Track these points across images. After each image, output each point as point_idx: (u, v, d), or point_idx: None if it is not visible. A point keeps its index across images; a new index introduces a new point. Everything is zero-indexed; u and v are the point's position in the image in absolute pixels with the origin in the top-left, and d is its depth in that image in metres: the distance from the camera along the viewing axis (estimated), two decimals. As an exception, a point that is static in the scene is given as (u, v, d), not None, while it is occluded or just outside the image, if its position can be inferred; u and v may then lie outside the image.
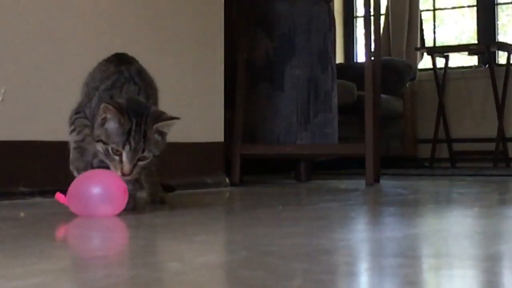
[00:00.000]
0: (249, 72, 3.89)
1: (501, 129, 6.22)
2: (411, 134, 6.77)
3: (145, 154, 1.98)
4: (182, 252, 1.45)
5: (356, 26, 7.43)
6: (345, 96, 5.13)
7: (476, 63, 6.85)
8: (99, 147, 2.00)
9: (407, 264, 1.22)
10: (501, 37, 6.84)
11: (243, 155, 3.70)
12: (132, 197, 2.15)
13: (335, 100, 4.07)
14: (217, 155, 3.45)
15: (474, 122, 6.63)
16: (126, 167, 1.97)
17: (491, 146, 6.25)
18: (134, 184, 2.12)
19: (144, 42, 3.10)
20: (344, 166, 5.52)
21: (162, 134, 2.04)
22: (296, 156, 3.98)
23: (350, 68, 6.14)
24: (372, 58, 3.69)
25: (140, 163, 1.99)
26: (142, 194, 2.34)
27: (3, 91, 2.60)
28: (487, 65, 6.47)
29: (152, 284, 1.05)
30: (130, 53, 2.34)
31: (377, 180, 3.65)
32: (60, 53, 2.80)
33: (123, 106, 1.99)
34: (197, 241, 1.63)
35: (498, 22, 6.85)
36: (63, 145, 2.74)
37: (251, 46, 3.94)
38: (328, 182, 3.98)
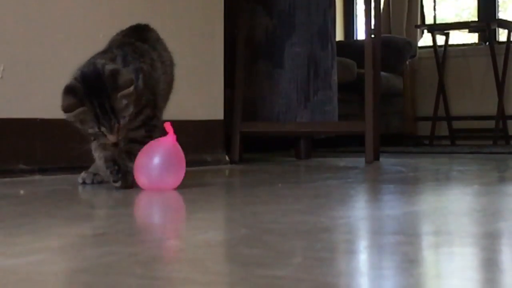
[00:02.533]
0: (248, 49, 3.88)
1: (501, 107, 6.21)
2: (411, 112, 6.77)
3: (121, 122, 2.03)
4: (181, 229, 1.45)
5: (356, 3, 7.40)
6: (345, 74, 5.12)
7: (477, 41, 6.84)
8: (81, 130, 2.06)
9: (407, 242, 1.22)
10: (501, 14, 6.82)
11: (243, 132, 3.70)
12: (130, 174, 2.15)
13: (335, 78, 4.06)
14: (217, 132, 3.45)
15: (474, 100, 6.62)
16: (113, 139, 2.04)
17: (491, 124, 6.25)
18: (130, 161, 2.12)
19: (143, 20, 3.08)
20: (344, 144, 5.53)
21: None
22: (296, 134, 3.98)
23: (350, 45, 6.12)
24: (372, 36, 3.68)
25: (122, 125, 2.04)
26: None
27: (2, 68, 2.59)
28: (487, 43, 6.45)
29: (151, 262, 1.05)
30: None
31: (376, 158, 3.65)
32: (60, 30, 2.79)
33: (78, 92, 2.01)
34: (196, 219, 1.63)
35: (499, -1, 6.83)
36: (63, 122, 2.74)
37: (250, 23, 3.92)
38: (328, 159, 3.98)
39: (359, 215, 1.68)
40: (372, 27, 3.71)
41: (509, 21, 6.33)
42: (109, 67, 2.06)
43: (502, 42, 6.51)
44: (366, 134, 3.57)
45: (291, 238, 1.26)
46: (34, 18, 2.70)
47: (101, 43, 2.37)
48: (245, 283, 0.91)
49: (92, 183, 2.28)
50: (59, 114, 2.75)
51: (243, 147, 3.74)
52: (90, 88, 2.02)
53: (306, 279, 0.92)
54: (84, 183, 2.28)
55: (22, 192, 2.11)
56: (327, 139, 4.89)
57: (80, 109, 2.00)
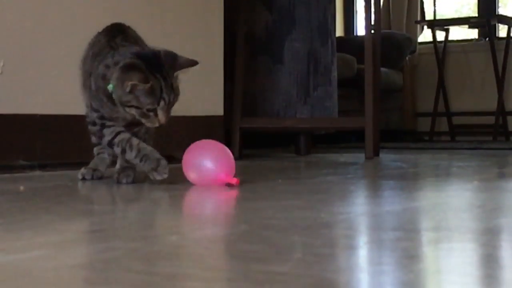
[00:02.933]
0: (248, 45, 3.87)
1: (501, 103, 6.21)
2: (411, 108, 6.76)
3: (175, 100, 2.07)
4: (181, 225, 1.45)
5: (356, -1, 7.40)
6: (345, 70, 5.12)
7: (476, 36, 6.83)
8: (132, 111, 2.04)
9: (407, 238, 1.22)
10: (501, 10, 6.81)
11: (243, 128, 3.70)
12: (132, 170, 2.15)
13: (334, 74, 4.06)
14: (217, 128, 3.45)
15: (474, 96, 6.62)
16: (163, 119, 2.04)
17: (490, 120, 6.24)
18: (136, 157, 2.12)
19: (143, 13, 3.08)
20: (344, 139, 5.52)
21: None
22: (295, 130, 3.97)
23: (350, 41, 6.12)
24: (372, 31, 3.68)
25: (174, 103, 2.07)
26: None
27: (2, 64, 2.59)
28: (487, 38, 6.44)
29: (151, 257, 1.05)
30: (129, 24, 2.33)
31: (376, 154, 3.65)
32: (60, 26, 2.78)
33: (142, 67, 2.01)
34: (196, 215, 1.63)
35: (499, -5, 6.82)
36: (63, 118, 2.75)
37: (250, 19, 3.92)
38: (328, 155, 3.98)
39: (359, 211, 1.68)
40: (372, 22, 3.70)
41: (509, 17, 6.32)
42: (162, 48, 2.09)
43: (502, 38, 6.51)
44: (366, 129, 3.57)
45: (291, 233, 1.26)
46: (34, 14, 2.70)
47: (101, 39, 2.36)
48: (245, 278, 0.91)
49: (92, 178, 2.28)
50: (59, 110, 2.75)
51: (243, 143, 3.74)
52: (151, 65, 2.03)
53: (306, 275, 0.92)
54: (84, 179, 2.28)
55: (22, 188, 2.11)
56: (327, 135, 4.88)
57: (152, 82, 2.00)
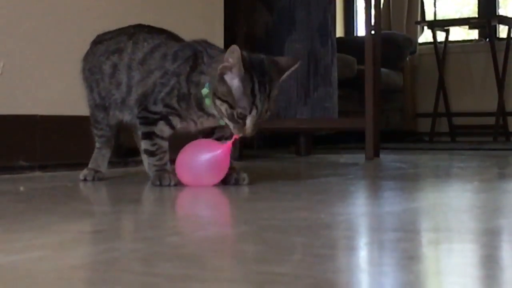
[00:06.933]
0: (248, 46, 3.87)
1: (501, 103, 6.21)
2: (411, 108, 6.77)
3: (268, 114, 1.95)
4: (181, 226, 1.45)
5: (356, 0, 7.40)
6: (345, 70, 5.12)
7: (477, 37, 6.83)
8: (223, 108, 1.93)
9: (407, 238, 1.22)
10: (501, 11, 6.81)
11: (243, 129, 3.70)
12: (168, 173, 2.12)
13: (335, 74, 4.06)
14: (217, 129, 3.44)
15: (474, 96, 6.62)
16: (249, 130, 1.93)
17: (491, 120, 6.25)
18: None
19: (143, 15, 3.08)
20: (344, 140, 5.53)
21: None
22: (296, 131, 3.98)
23: (350, 42, 6.12)
24: (372, 32, 3.68)
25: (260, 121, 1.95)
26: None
27: (2, 65, 2.59)
28: (487, 39, 6.45)
29: (151, 258, 1.05)
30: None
31: (376, 155, 3.65)
32: (60, 27, 2.78)
33: (246, 60, 1.92)
34: (196, 215, 1.63)
35: (499, -4, 6.83)
36: (63, 119, 2.75)
37: (251, 20, 3.92)
38: (328, 156, 3.98)
39: (359, 211, 1.68)
40: (372, 23, 3.70)
41: (509, 18, 6.32)
42: (265, 56, 1.99)
43: (502, 39, 6.51)
44: (366, 130, 3.57)
45: (291, 234, 1.26)
46: (34, 15, 2.70)
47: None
48: (245, 279, 0.91)
49: (93, 180, 2.27)
50: (59, 111, 2.75)
51: (243, 144, 3.74)
52: (256, 66, 1.93)
53: (306, 276, 0.92)
54: (85, 180, 2.27)
55: (22, 188, 2.11)
56: (327, 136, 4.89)
57: (247, 77, 1.89)
